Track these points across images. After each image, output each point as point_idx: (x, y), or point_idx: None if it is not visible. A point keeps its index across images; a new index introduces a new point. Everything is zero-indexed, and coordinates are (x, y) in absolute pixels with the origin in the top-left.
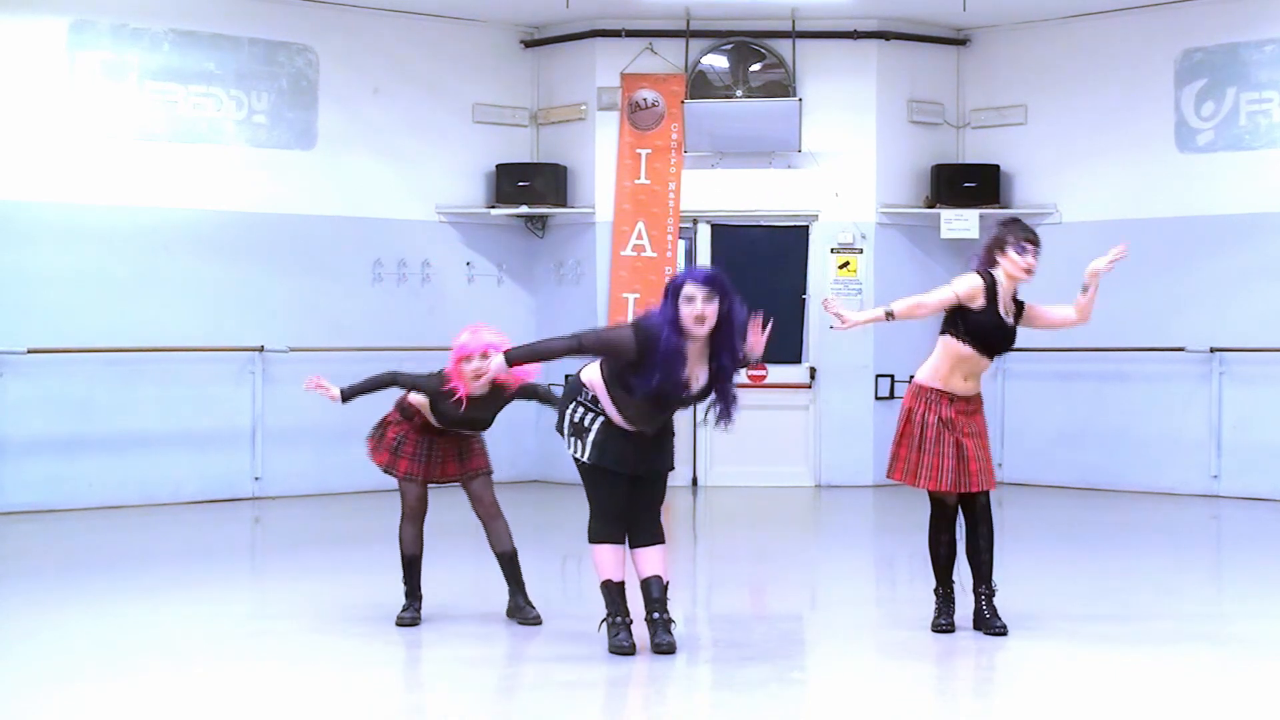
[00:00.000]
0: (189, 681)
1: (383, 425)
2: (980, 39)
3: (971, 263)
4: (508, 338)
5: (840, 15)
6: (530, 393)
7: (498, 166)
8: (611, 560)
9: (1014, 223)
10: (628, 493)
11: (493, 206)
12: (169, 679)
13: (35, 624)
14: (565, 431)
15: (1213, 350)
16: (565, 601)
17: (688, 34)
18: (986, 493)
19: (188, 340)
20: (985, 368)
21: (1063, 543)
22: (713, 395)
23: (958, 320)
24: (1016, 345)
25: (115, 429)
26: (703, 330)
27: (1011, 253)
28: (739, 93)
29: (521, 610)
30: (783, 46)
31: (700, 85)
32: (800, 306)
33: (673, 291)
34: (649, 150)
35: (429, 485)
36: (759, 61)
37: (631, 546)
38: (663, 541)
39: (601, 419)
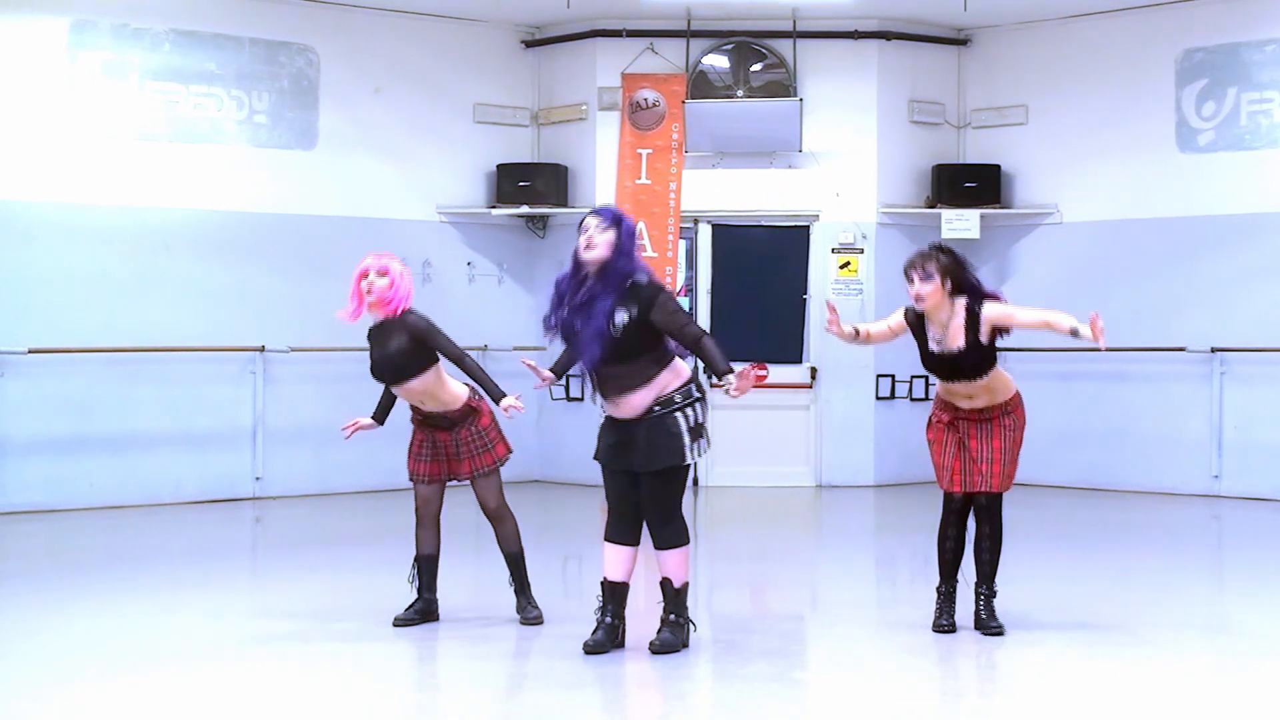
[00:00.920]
0: (190, 681)
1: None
2: (981, 39)
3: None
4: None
5: (841, 15)
6: (423, 338)
7: (498, 166)
8: (611, 558)
9: (916, 254)
10: (627, 490)
11: (493, 206)
12: (170, 679)
13: (36, 624)
14: None
15: (1213, 350)
16: (567, 601)
17: (688, 34)
18: (994, 495)
19: (188, 340)
20: (966, 389)
21: (1063, 543)
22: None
23: None
24: (1018, 345)
25: (116, 429)
26: (592, 256)
27: (906, 285)
28: (740, 93)
29: (524, 610)
30: (784, 46)
31: (701, 85)
32: (801, 306)
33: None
34: (650, 150)
35: (445, 484)
36: (760, 61)
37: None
38: (671, 546)
39: (605, 416)
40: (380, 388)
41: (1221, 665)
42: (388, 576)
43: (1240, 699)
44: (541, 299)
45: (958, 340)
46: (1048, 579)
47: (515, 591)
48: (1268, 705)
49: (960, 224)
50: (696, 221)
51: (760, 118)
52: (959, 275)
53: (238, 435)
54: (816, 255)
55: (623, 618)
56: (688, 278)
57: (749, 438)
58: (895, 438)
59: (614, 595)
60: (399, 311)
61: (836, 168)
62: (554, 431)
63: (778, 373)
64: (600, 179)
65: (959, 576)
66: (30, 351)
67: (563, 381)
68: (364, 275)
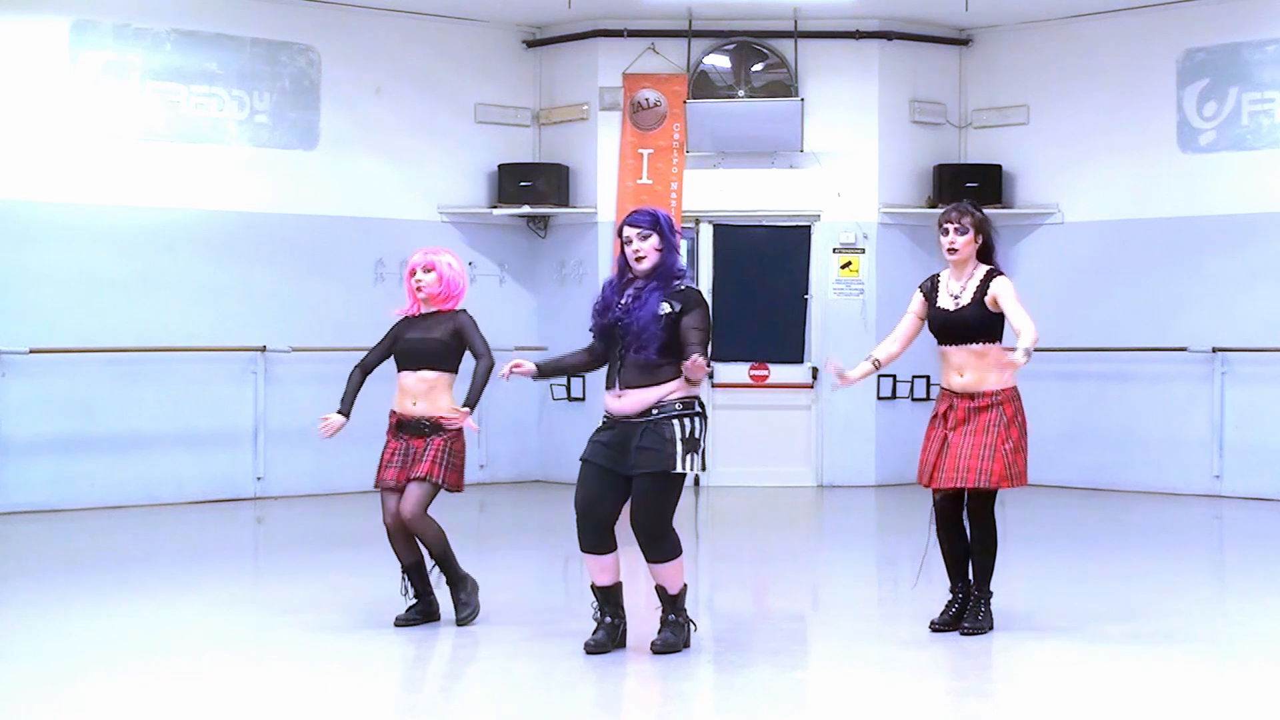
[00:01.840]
0: (191, 681)
1: None
2: (982, 39)
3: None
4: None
5: (842, 15)
6: (464, 334)
7: (500, 166)
8: (593, 566)
9: (950, 209)
10: (598, 492)
11: (495, 206)
12: (171, 679)
13: (37, 624)
14: None
15: (1215, 350)
16: (567, 601)
17: (690, 34)
18: (982, 497)
19: (190, 340)
20: (966, 358)
21: (1064, 542)
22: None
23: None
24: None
25: (117, 429)
26: (646, 267)
27: (939, 236)
28: (741, 93)
29: (460, 609)
30: (785, 46)
31: (702, 85)
32: (802, 306)
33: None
34: (651, 150)
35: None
36: (761, 61)
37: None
38: (663, 561)
39: (603, 419)
40: (343, 382)
41: (1222, 665)
42: (388, 577)
43: (1240, 699)
44: (542, 299)
45: (969, 297)
46: (1048, 579)
47: (451, 590)
48: (1268, 705)
49: None
50: (698, 221)
51: (761, 118)
52: (988, 233)
53: (239, 435)
54: (818, 255)
55: (622, 616)
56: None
57: (750, 438)
58: (897, 438)
59: (607, 597)
60: (453, 307)
61: (838, 168)
62: (554, 431)
63: (779, 373)
64: (602, 179)
65: (968, 577)
66: (32, 351)
67: (563, 381)
68: (412, 273)
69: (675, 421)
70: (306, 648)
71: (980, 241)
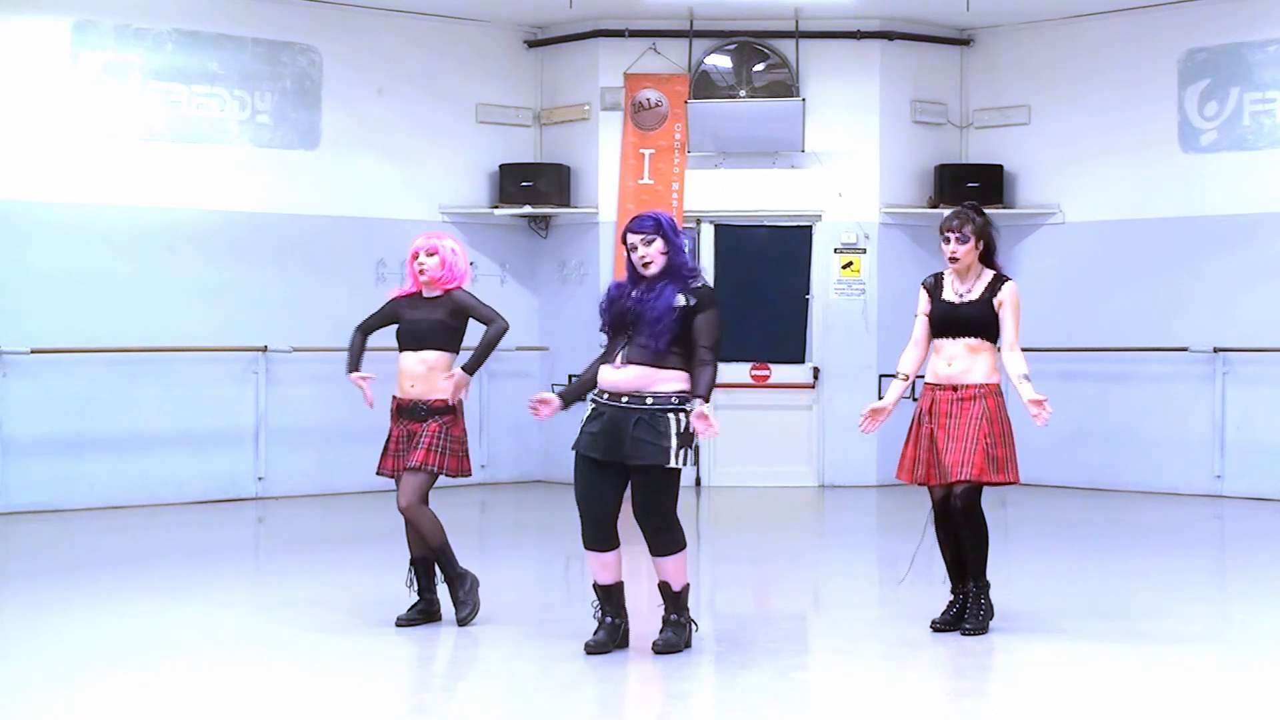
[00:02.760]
0: (191, 681)
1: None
2: (983, 39)
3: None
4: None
5: (843, 15)
6: (465, 310)
7: (501, 166)
8: (595, 564)
9: (952, 215)
10: (596, 488)
11: (496, 206)
12: (171, 679)
13: (37, 624)
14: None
15: (1216, 350)
16: (568, 602)
17: (691, 34)
18: (967, 493)
19: (191, 340)
20: (959, 350)
21: (1065, 542)
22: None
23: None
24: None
25: (118, 429)
26: (655, 271)
27: (941, 244)
28: (742, 93)
29: (459, 607)
30: (786, 46)
31: (704, 85)
32: (804, 307)
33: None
34: (652, 150)
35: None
36: (762, 61)
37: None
38: (668, 554)
39: (591, 405)
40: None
41: (1222, 665)
42: (389, 577)
43: (1240, 699)
44: (544, 299)
45: (976, 295)
46: (1049, 579)
47: (450, 588)
48: (1268, 705)
49: None
50: (699, 221)
51: (763, 118)
52: (990, 238)
53: (240, 435)
54: (819, 255)
55: (624, 615)
56: None
57: (751, 438)
58: (897, 438)
59: (608, 596)
60: (453, 287)
61: (839, 168)
62: (555, 431)
63: (780, 373)
64: (603, 179)
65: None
66: (33, 351)
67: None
68: (415, 256)
69: (671, 416)
70: (307, 648)
71: (981, 247)
